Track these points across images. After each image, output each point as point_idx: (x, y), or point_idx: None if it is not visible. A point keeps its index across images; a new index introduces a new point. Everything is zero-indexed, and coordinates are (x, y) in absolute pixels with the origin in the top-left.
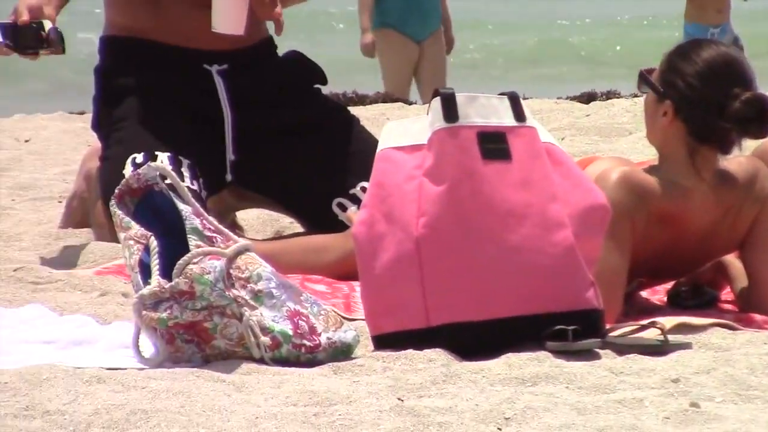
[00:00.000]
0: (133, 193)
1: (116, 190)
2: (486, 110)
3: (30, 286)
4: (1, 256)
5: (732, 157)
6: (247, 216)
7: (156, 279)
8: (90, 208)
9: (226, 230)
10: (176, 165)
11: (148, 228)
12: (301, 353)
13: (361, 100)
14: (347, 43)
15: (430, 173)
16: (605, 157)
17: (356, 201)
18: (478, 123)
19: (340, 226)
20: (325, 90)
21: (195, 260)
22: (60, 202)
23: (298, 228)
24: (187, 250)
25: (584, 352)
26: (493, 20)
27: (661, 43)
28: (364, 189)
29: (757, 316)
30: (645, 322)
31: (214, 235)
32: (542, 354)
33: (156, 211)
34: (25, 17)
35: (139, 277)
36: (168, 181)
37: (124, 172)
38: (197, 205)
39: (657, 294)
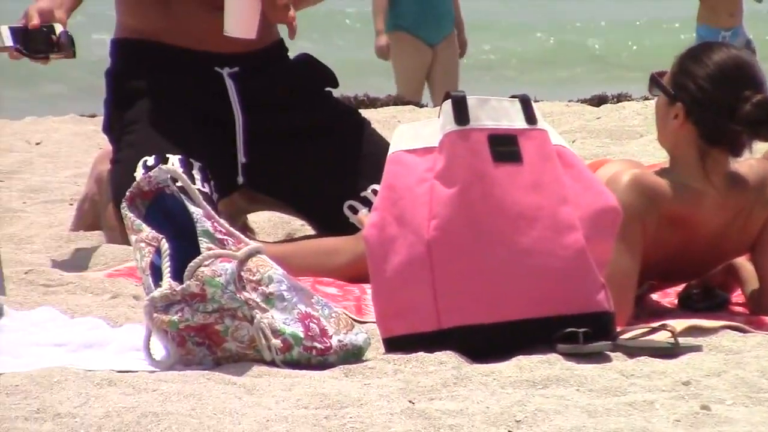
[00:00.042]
0: (145, 196)
1: (127, 193)
2: (497, 113)
3: (41, 288)
4: (13, 259)
5: (743, 160)
6: (258, 218)
7: (167, 281)
8: (101, 210)
9: (237, 233)
10: (187, 168)
11: (160, 231)
12: (312, 356)
13: (373, 102)
14: (362, 44)
15: (441, 176)
16: (616, 159)
17: (367, 204)
18: (489, 126)
19: (351, 229)
20: (337, 93)
21: (206, 263)
22: (71, 204)
23: (310, 230)
24: (198, 252)
25: (595, 354)
26: (508, 22)
27: (680, 47)
28: (375, 192)
29: None
30: (656, 324)
31: (226, 237)
32: (553, 356)
33: (167, 214)
34: (35, 21)
35: (150, 279)
36: (179, 184)
37: (135, 174)
38: (208, 207)
39: (668, 296)
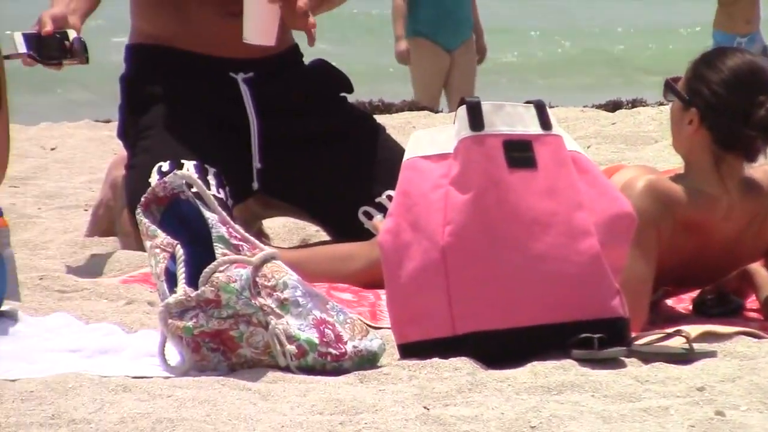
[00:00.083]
0: (160, 202)
1: (142, 199)
2: (512, 118)
3: (56, 294)
4: (28, 265)
5: (757, 166)
6: (273, 224)
7: (182, 287)
8: (116, 216)
9: (252, 238)
10: (202, 173)
11: (175, 236)
12: (326, 362)
13: (387, 108)
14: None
15: (456, 182)
16: (631, 165)
17: (382, 209)
18: (504, 131)
19: (366, 235)
20: (351, 98)
21: (221, 268)
22: (86, 210)
23: (324, 236)
24: (213, 258)
25: (610, 360)
26: (526, 27)
27: (698, 52)
28: (390, 197)
29: None
30: (670, 330)
31: (241, 243)
32: (568, 362)
33: (182, 220)
34: (48, 27)
35: (165, 285)
36: (194, 190)
37: (150, 180)
38: (223, 213)
39: (682, 302)
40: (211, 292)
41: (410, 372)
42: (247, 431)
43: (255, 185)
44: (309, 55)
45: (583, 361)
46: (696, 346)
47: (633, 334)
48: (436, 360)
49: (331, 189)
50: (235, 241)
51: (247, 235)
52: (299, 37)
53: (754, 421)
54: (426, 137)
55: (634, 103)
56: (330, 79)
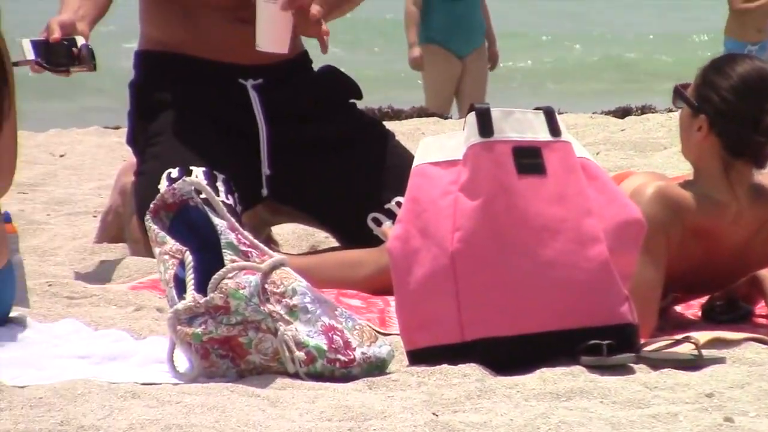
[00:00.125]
0: (169, 208)
1: (151, 205)
2: (521, 125)
3: (65, 300)
4: (37, 271)
5: (767, 172)
6: (282, 231)
7: (191, 294)
8: (125, 222)
9: (261, 245)
10: (211, 180)
11: (184, 243)
12: (335, 368)
13: (397, 114)
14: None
15: (466, 188)
16: (640, 172)
17: (391, 216)
18: (514, 138)
19: (375, 241)
20: (361, 105)
21: (230, 275)
22: (95, 216)
23: (333, 243)
24: (222, 264)
25: (618, 366)
26: (539, 32)
27: (709, 59)
28: (399, 204)
29: None
30: (679, 336)
31: (250, 249)
32: (577, 369)
33: (191, 226)
34: (56, 34)
35: (174, 292)
36: (203, 196)
37: (159, 186)
38: (232, 219)
39: (691, 308)
40: (220, 298)
41: (419, 378)
42: None
43: (264, 191)
44: (321, 60)
45: (592, 368)
46: (705, 352)
47: (642, 341)
48: (445, 366)
49: (340, 195)
50: (244, 248)
51: (255, 241)
52: (311, 45)
53: (763, 428)
54: (435, 144)
55: (644, 110)
56: (339, 86)
